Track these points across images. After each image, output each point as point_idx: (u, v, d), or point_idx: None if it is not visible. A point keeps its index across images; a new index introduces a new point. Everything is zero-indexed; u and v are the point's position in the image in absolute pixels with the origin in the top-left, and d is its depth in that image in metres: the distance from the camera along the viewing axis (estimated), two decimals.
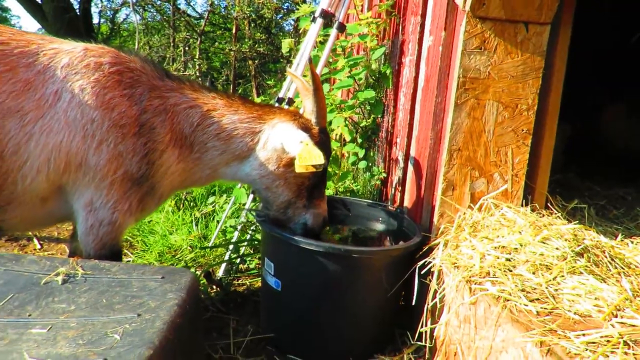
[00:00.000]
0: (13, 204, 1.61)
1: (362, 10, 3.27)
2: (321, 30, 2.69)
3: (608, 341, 1.10)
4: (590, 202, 2.65)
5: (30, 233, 3.20)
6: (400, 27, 2.71)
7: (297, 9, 3.13)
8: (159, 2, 6.79)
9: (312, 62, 1.78)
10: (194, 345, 1.31)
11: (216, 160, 1.82)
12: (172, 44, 6.62)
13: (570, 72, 1.97)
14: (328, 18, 2.63)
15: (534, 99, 1.81)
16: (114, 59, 1.66)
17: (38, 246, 3.08)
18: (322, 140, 1.83)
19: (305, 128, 1.82)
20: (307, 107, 1.86)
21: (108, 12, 12.09)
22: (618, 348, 1.07)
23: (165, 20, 6.80)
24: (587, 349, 1.07)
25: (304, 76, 2.58)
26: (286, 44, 2.96)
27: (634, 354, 1.05)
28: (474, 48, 1.76)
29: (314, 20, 2.68)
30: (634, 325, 1.18)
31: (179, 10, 6.69)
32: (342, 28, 2.60)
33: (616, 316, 1.23)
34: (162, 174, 1.72)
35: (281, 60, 6.43)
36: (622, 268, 1.57)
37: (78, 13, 10.89)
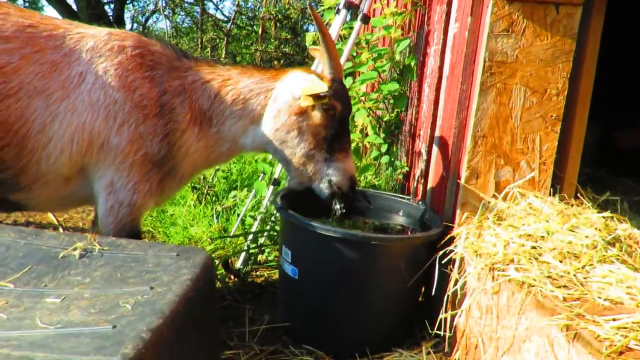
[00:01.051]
0: (38, 183, 1.64)
1: (387, 4, 3.23)
2: (345, 23, 2.67)
3: None
4: (623, 197, 2.53)
5: (56, 222, 3.28)
6: (426, 18, 2.66)
7: (322, 4, 3.12)
8: (187, 6, 6.94)
9: (313, 10, 1.78)
10: (207, 322, 1.30)
11: (234, 129, 1.80)
12: (199, 46, 6.74)
13: (603, 64, 1.89)
14: (352, 10, 2.61)
15: (564, 84, 1.73)
16: (136, 43, 1.69)
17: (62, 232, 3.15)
18: (337, 89, 1.79)
19: (317, 75, 1.79)
20: (322, 65, 1.84)
21: (140, 17, 12.46)
22: None
23: (194, 22, 6.93)
24: (617, 334, 1.00)
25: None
26: (309, 37, 2.95)
27: None
28: (501, 31, 1.70)
29: (337, 12, 2.67)
30: None
31: (207, 12, 6.81)
32: (366, 20, 2.57)
33: None
34: (184, 155, 1.72)
35: (307, 61, 6.45)
36: None
37: (112, 19, 11.27)
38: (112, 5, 11.91)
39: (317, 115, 1.77)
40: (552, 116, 1.76)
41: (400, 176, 2.85)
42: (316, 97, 1.68)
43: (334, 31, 2.64)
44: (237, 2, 6.08)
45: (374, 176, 3.06)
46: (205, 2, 6.93)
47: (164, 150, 1.67)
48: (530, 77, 1.73)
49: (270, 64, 6.29)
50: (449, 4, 2.22)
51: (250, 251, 2.52)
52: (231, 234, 2.81)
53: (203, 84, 1.72)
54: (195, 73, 1.73)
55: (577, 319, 1.10)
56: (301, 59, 6.24)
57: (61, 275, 1.24)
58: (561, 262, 1.41)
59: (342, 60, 2.59)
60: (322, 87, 1.67)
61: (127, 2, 11.91)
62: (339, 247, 1.74)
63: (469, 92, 1.92)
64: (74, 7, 10.48)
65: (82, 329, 0.97)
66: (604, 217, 1.62)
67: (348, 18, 2.76)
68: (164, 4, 7.27)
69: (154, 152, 1.65)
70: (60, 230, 3.18)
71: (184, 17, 7.02)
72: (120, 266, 1.29)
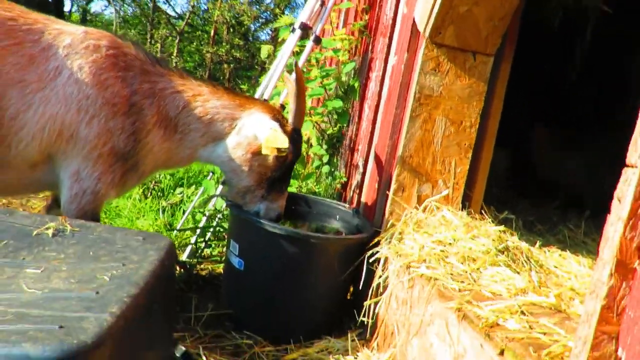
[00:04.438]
0: (4, 167, 1.74)
1: (337, 27, 3.55)
2: (298, 41, 2.95)
3: (509, 310, 1.38)
4: (520, 216, 3.00)
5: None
6: (370, 46, 3.00)
7: (276, 19, 3.38)
8: None
9: (299, 69, 2.00)
10: (170, 300, 1.49)
11: (196, 141, 2.00)
12: (149, 40, 6.71)
13: (512, 99, 2.30)
14: (306, 30, 2.89)
15: (476, 118, 2.11)
16: (111, 43, 1.84)
17: None
18: (294, 138, 2.04)
19: (280, 122, 2.03)
20: (290, 108, 2.08)
21: (82, 0, 11.96)
22: (515, 315, 1.35)
23: (145, 16, 6.89)
24: (492, 314, 1.34)
25: (280, 82, 2.82)
26: (265, 49, 3.19)
27: (526, 320, 1.33)
28: (429, 69, 2.05)
29: (293, 30, 2.94)
30: (532, 302, 1.47)
31: (160, 9, 6.80)
32: (318, 41, 2.86)
33: (520, 296, 1.51)
34: (147, 152, 1.89)
35: (256, 67, 6.64)
36: (535, 267, 1.88)
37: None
38: None
39: (269, 160, 1.99)
40: (465, 144, 2.14)
41: (339, 185, 3.16)
42: (277, 149, 1.88)
43: (288, 48, 2.91)
44: (191, 3, 6.16)
45: (315, 184, 3.34)
46: None
47: (130, 146, 1.83)
48: (450, 110, 2.10)
49: (220, 66, 6.42)
50: (390, 38, 2.57)
51: (197, 245, 2.69)
52: (179, 228, 2.96)
53: (173, 93, 1.90)
54: (167, 81, 1.90)
55: (466, 304, 1.43)
56: (250, 65, 6.42)
57: (37, 250, 1.38)
58: (462, 263, 1.76)
59: (294, 74, 2.85)
60: (284, 143, 1.85)
61: None
62: (283, 243, 1.98)
63: (401, 116, 2.26)
64: None
65: (69, 293, 1.14)
66: (499, 231, 2.01)
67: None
68: None
69: (120, 147, 1.81)
70: None
71: (134, 8, 6.95)
72: (92, 246, 1.45)
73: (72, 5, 11.36)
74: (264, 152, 1.89)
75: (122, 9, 7.03)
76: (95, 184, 1.80)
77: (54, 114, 1.70)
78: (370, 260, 2.04)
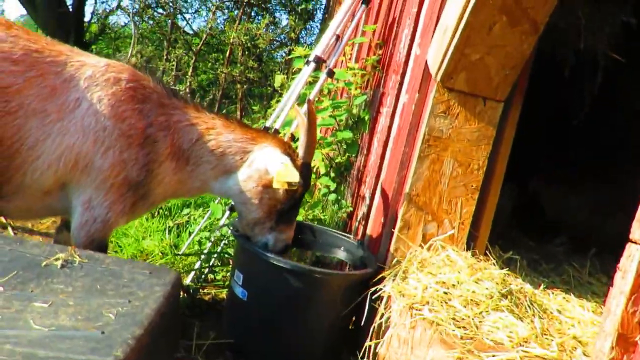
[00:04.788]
0: (19, 194, 1.78)
1: (350, 59, 3.62)
2: (312, 72, 3.00)
3: None
4: (525, 254, 2.99)
5: (4, 220, 3.29)
6: (382, 81, 3.05)
7: (292, 42, 3.45)
8: (157, 15, 7.05)
9: (311, 104, 2.04)
10: (174, 333, 1.51)
11: (208, 173, 2.04)
12: (165, 57, 6.85)
13: (522, 137, 2.32)
14: (320, 63, 2.95)
15: (484, 161, 2.13)
16: (131, 76, 1.90)
17: (12, 234, 3.17)
18: (304, 172, 2.07)
19: (290, 157, 2.07)
20: (300, 141, 2.12)
21: (100, 12, 12.26)
22: None
23: (162, 34, 7.05)
24: None
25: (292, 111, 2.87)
26: (278, 79, 3.25)
27: None
28: (439, 112, 2.08)
29: (307, 63, 2.99)
30: (535, 355, 1.46)
31: (178, 27, 6.96)
32: (331, 74, 2.91)
33: (522, 345, 1.51)
34: (158, 183, 1.93)
35: (268, 87, 6.75)
36: (538, 312, 1.87)
37: (71, 9, 11.00)
38: None
39: (280, 193, 2.02)
40: (472, 186, 2.15)
41: (344, 215, 3.17)
42: (288, 183, 1.90)
43: (302, 79, 2.96)
44: (209, 25, 6.30)
45: (321, 211, 3.36)
46: (177, 15, 7.08)
47: (142, 176, 1.87)
48: (458, 152, 2.12)
49: (233, 85, 6.53)
50: (402, 76, 2.61)
51: (202, 270, 2.71)
52: (184, 252, 2.98)
53: (187, 125, 1.95)
54: (182, 113, 1.96)
55: (467, 353, 1.43)
56: (262, 84, 6.52)
57: (45, 282, 1.41)
58: (465, 307, 1.76)
59: (306, 104, 2.90)
60: (295, 178, 1.87)
61: None
62: (287, 276, 2.00)
63: (409, 155, 2.28)
64: None
65: (75, 332, 1.17)
66: (503, 274, 2.01)
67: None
68: (134, 10, 7.32)
69: (133, 177, 1.85)
70: (9, 230, 3.20)
71: (152, 24, 7.11)
72: (99, 278, 1.47)
73: (91, 17, 11.62)
74: (275, 186, 1.92)
75: (140, 24, 7.19)
76: (106, 212, 1.84)
77: (70, 144, 1.75)
78: (373, 297, 2.04)
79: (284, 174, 1.89)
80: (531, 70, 2.24)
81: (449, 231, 2.17)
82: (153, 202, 1.99)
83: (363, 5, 2.90)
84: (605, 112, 3.55)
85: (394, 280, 2.01)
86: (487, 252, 2.27)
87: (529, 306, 1.89)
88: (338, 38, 2.94)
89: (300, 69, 3.14)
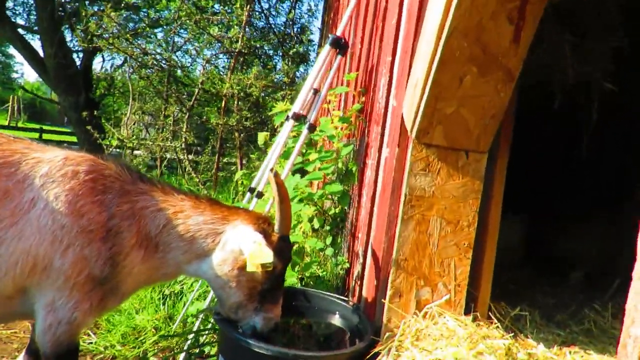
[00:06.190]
0: None
1: (335, 107, 3.53)
2: (294, 127, 2.92)
3: None
4: (540, 299, 2.77)
5: None
6: (367, 130, 2.94)
7: (287, 92, 3.38)
8: (150, 71, 7.17)
9: (278, 177, 1.93)
10: None
11: (179, 258, 1.93)
12: (162, 114, 6.93)
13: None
14: (300, 119, 2.87)
15: (474, 217, 1.98)
16: (90, 167, 1.82)
17: None
18: (280, 246, 1.94)
19: (265, 232, 1.94)
20: (275, 215, 1.99)
21: (107, 71, 12.61)
22: None
23: (157, 91, 7.17)
24: None
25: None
26: (262, 137, 3.17)
27: None
28: (419, 170, 1.95)
29: (287, 118, 2.91)
30: None
31: (171, 82, 7.06)
32: (312, 129, 2.82)
33: None
34: (126, 274, 1.82)
35: (267, 127, 6.72)
36: None
37: (79, 68, 11.35)
38: (80, 55, 12.03)
39: (258, 274, 1.87)
40: (464, 244, 1.99)
41: (342, 271, 3.02)
42: (262, 265, 1.75)
43: (283, 135, 2.87)
44: (200, 80, 6.36)
45: (318, 267, 3.21)
46: (173, 69, 7.19)
47: (107, 271, 1.76)
48: (445, 210, 1.97)
49: (231, 135, 6.52)
50: (383, 128, 2.50)
51: (190, 352, 2.57)
52: (175, 326, 2.85)
53: (153, 211, 1.85)
54: (148, 198, 1.86)
55: None
56: (261, 131, 6.51)
57: None
58: None
59: (292, 158, 2.80)
60: (269, 258, 1.73)
61: (96, 54, 12.06)
62: None
63: (395, 214, 2.14)
64: (42, 53, 10.54)
65: None
66: (508, 343, 1.82)
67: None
68: (131, 70, 7.47)
69: (97, 273, 1.75)
70: None
71: (150, 81, 7.23)
72: None
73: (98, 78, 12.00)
74: (248, 269, 1.78)
75: (138, 82, 7.31)
76: (71, 313, 1.73)
77: (27, 247, 1.66)
78: None
79: (256, 255, 1.76)
80: (538, 102, 2.10)
81: (444, 295, 2.00)
82: (124, 293, 1.88)
83: (339, 56, 2.83)
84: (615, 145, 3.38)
85: (386, 358, 1.84)
86: (490, 312, 2.09)
87: None
88: (316, 92, 2.87)
89: (282, 124, 3.06)
